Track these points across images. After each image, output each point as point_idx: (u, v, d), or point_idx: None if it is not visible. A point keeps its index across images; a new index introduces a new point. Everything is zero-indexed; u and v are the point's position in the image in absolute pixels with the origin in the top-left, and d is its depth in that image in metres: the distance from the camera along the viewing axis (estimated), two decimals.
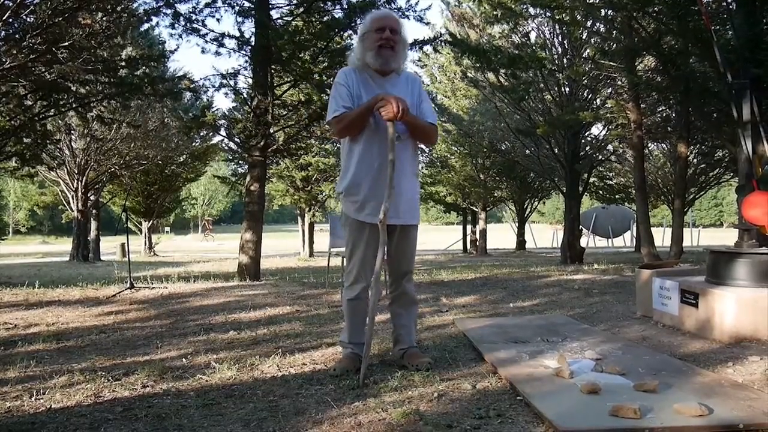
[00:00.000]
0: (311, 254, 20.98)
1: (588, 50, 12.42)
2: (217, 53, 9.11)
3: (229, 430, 2.01)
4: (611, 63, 10.44)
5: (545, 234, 36.37)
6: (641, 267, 4.29)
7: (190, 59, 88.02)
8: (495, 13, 10.90)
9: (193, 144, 21.45)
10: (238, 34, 9.17)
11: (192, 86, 10.00)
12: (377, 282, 2.64)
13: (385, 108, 2.53)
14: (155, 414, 2.17)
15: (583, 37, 12.18)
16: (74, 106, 10.13)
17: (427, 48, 11.40)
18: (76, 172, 18.28)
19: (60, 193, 20.57)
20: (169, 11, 8.66)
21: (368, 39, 2.71)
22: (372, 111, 2.59)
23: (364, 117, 2.62)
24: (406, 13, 9.27)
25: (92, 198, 19.74)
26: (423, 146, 3.27)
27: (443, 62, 19.41)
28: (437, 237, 39.42)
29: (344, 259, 3.04)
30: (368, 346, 2.60)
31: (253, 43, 9.00)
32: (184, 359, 3.05)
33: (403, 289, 2.83)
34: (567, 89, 12.72)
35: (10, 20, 7.84)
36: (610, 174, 19.55)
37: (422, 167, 21.81)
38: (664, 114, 13.10)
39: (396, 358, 2.86)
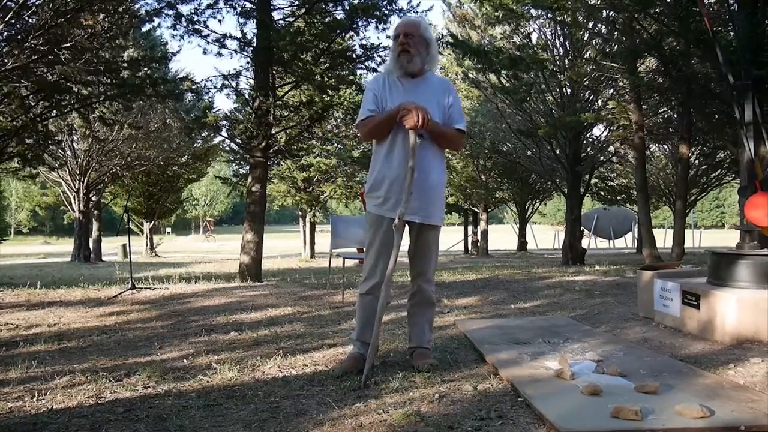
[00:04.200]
0: (312, 255, 20.98)
1: (589, 51, 12.40)
2: (219, 54, 9.15)
3: (231, 431, 2.01)
4: (613, 64, 10.43)
5: (546, 235, 36.34)
6: (643, 268, 4.29)
7: (191, 60, 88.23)
8: (496, 14, 10.91)
9: (195, 145, 21.47)
10: (239, 35, 9.21)
11: (194, 87, 10.03)
12: (388, 284, 2.64)
13: (408, 117, 2.58)
14: (156, 415, 2.18)
15: (585, 39, 12.17)
16: (76, 107, 10.15)
17: None
18: (78, 172, 18.32)
19: (62, 193, 20.61)
20: (170, 12, 8.70)
21: (392, 48, 2.83)
22: (395, 119, 2.65)
23: (387, 124, 2.70)
24: (408, 14, 9.29)
25: (94, 199, 19.77)
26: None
27: (445, 63, 19.40)
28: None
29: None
30: (373, 348, 2.60)
31: (254, 44, 9.02)
32: (185, 360, 3.05)
33: (419, 288, 2.86)
34: (568, 90, 12.70)
35: (12, 21, 7.85)
36: (612, 175, 19.53)
37: None
38: (666, 115, 13.07)
39: (407, 355, 2.90)
